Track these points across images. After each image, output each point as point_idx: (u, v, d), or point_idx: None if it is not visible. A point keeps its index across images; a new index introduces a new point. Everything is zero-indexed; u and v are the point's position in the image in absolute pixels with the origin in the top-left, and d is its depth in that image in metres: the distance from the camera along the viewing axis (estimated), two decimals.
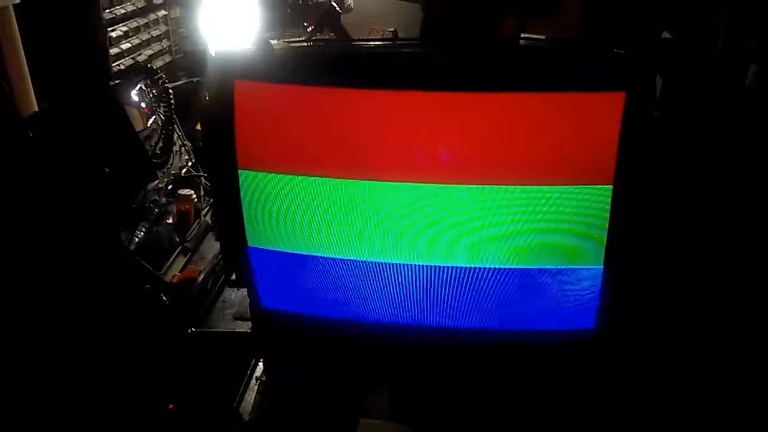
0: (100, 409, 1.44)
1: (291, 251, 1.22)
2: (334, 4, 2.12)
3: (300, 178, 1.15)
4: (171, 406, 1.48)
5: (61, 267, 1.39)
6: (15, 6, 1.38)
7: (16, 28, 1.40)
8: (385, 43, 1.20)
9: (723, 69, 1.40)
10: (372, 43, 1.20)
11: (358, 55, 1.18)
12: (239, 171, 1.16)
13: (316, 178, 1.15)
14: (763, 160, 1.30)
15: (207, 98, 1.16)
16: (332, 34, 2.12)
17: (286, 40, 1.19)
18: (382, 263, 1.20)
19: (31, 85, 1.45)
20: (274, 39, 1.18)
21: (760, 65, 1.38)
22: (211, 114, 1.16)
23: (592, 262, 1.16)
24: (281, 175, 1.16)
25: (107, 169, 1.43)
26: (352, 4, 2.22)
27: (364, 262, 1.20)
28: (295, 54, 1.17)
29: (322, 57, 1.18)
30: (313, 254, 1.22)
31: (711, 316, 1.30)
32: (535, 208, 1.12)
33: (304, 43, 1.21)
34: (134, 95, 1.61)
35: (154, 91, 1.68)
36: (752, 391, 1.28)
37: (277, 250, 1.23)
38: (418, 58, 1.13)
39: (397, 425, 1.33)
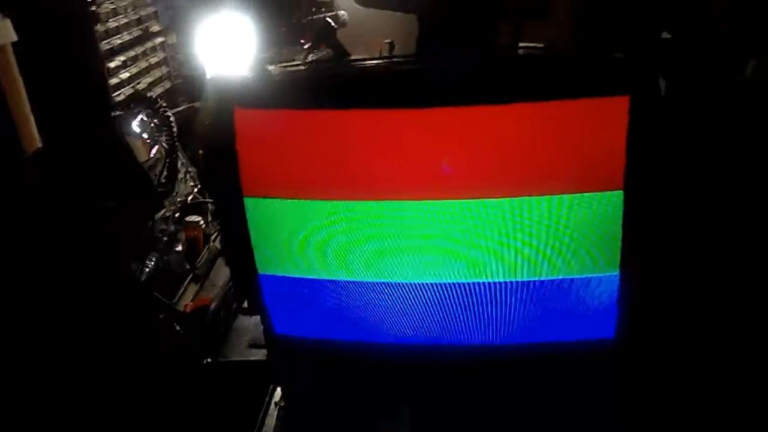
0: None
1: (301, 276, 1.22)
2: (329, 20, 2.11)
3: (305, 202, 1.14)
4: None
5: (71, 304, 1.39)
6: (13, 44, 1.39)
7: (16, 65, 1.41)
8: (382, 60, 1.19)
9: (724, 65, 1.38)
10: (369, 62, 1.19)
11: (356, 77, 1.17)
12: (245, 199, 1.16)
13: (322, 201, 1.14)
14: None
15: (207, 127, 1.15)
16: (329, 50, 2.11)
17: (282, 64, 1.18)
18: (393, 283, 1.19)
19: (33, 122, 1.45)
20: (270, 64, 1.18)
21: (760, 59, 1.36)
22: (212, 143, 1.16)
23: (608, 270, 1.15)
24: (287, 201, 1.15)
25: (111, 203, 1.42)
26: (346, 18, 2.22)
27: (376, 283, 1.19)
28: (292, 79, 1.16)
29: (319, 80, 1.17)
30: (324, 278, 1.21)
31: (728, 320, 1.28)
32: (548, 218, 1.11)
33: (301, 66, 1.20)
34: (135, 126, 1.61)
35: (155, 121, 1.68)
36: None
37: (287, 275, 1.22)
38: (416, 76, 1.12)
39: None
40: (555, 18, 1.49)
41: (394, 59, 1.30)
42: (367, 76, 1.16)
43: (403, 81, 1.11)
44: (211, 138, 1.17)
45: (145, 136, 1.64)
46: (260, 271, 1.22)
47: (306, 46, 2.05)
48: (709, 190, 1.23)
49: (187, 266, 1.71)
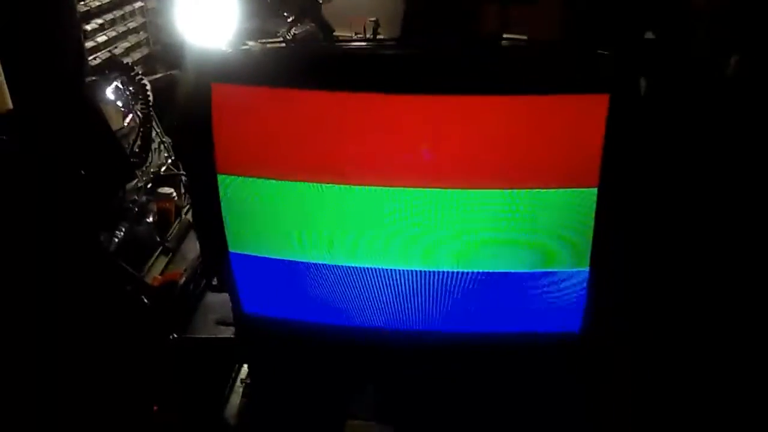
0: (83, 413, 1.42)
1: (273, 256, 1.21)
2: None
3: (281, 182, 1.13)
4: (155, 407, 1.46)
5: (38, 271, 1.36)
6: None
7: None
8: (366, 43, 1.17)
9: (705, 63, 1.39)
10: (352, 43, 1.17)
11: (338, 57, 1.15)
12: (218, 176, 1.14)
13: (298, 183, 1.13)
14: (747, 155, 1.30)
15: (183, 101, 1.13)
16: (313, 24, 2.08)
17: (262, 41, 1.16)
18: (364, 268, 1.18)
19: (4, 84, 1.41)
20: (250, 39, 1.15)
21: (742, 57, 1.37)
22: (187, 118, 1.13)
23: (577, 265, 1.16)
24: (262, 180, 1.14)
25: (83, 171, 1.39)
26: None
27: (346, 267, 1.19)
28: (272, 56, 1.14)
29: (300, 59, 1.15)
30: (295, 259, 1.20)
31: (699, 318, 1.30)
32: (520, 211, 1.11)
33: (282, 43, 1.18)
34: (110, 93, 1.57)
35: (130, 88, 1.64)
36: (744, 394, 1.28)
37: (258, 255, 1.21)
38: (398, 61, 1.10)
39: (382, 427, 1.33)
40: (542, 3, 1.49)
41: (378, 41, 1.29)
42: (349, 58, 1.14)
43: (384, 66, 1.09)
44: (186, 112, 1.15)
45: (119, 103, 1.60)
46: (231, 249, 1.21)
47: (289, 20, 2.02)
48: (685, 191, 1.25)
49: (158, 238, 1.69)
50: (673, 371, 1.31)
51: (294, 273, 1.22)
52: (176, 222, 1.75)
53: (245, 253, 1.21)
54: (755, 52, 1.36)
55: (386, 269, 1.18)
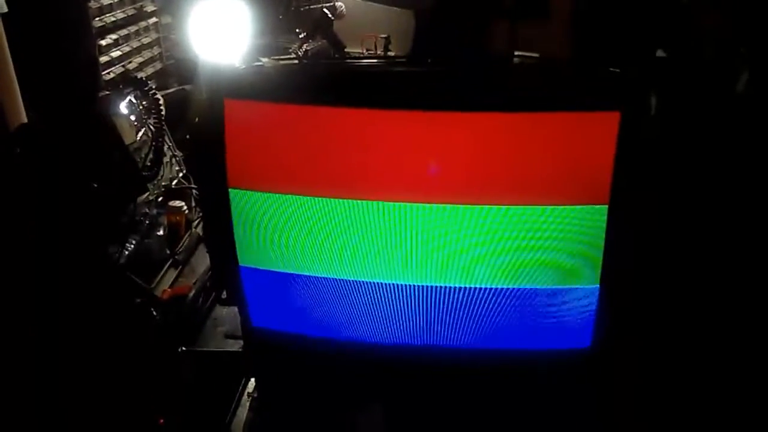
0: (91, 424, 1.42)
1: (282, 271, 1.21)
2: (326, 11, 2.10)
3: (291, 197, 1.14)
4: (162, 420, 1.46)
5: (49, 282, 1.37)
6: (2, 15, 1.36)
7: (4, 37, 1.38)
8: (377, 60, 1.18)
9: (715, 78, 1.39)
10: (363, 61, 1.18)
11: (349, 75, 1.16)
12: (230, 190, 1.15)
13: (308, 197, 1.13)
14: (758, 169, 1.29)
15: (196, 116, 1.14)
16: (325, 41, 2.10)
17: (275, 57, 1.17)
18: (373, 283, 1.18)
19: (19, 96, 1.43)
20: (264, 55, 1.17)
21: (752, 72, 1.37)
22: (200, 132, 1.14)
23: (588, 282, 1.15)
24: (272, 195, 1.14)
25: (95, 184, 1.40)
26: (344, 10, 2.20)
27: (356, 282, 1.19)
28: (285, 73, 1.15)
29: (312, 76, 1.16)
30: (305, 274, 1.20)
31: (707, 336, 1.29)
32: (530, 227, 1.11)
33: (294, 61, 1.19)
34: (124, 107, 1.59)
35: (144, 103, 1.66)
36: (749, 408, 1.27)
37: (268, 269, 1.21)
38: (409, 78, 1.11)
39: None
40: (554, 20, 1.49)
41: (388, 58, 1.30)
42: (359, 75, 1.15)
43: (394, 83, 1.10)
44: (199, 127, 1.16)
45: (132, 117, 1.62)
46: (241, 263, 1.21)
47: (301, 36, 2.04)
48: (695, 207, 1.24)
49: (168, 251, 1.70)
50: (682, 385, 1.29)
51: (303, 287, 1.21)
52: (186, 235, 1.76)
53: (255, 267, 1.22)
54: (763, 68, 1.36)
55: (394, 284, 1.18)
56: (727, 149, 1.31)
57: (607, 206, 1.08)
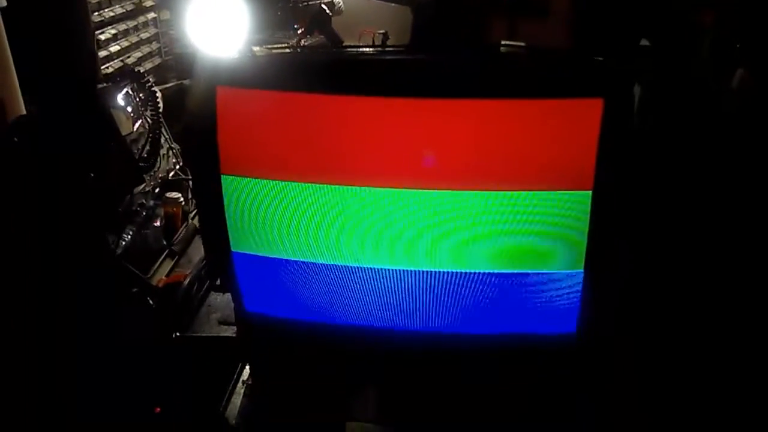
0: (86, 412, 1.44)
1: (275, 256, 1.23)
2: (324, 7, 2.12)
3: (284, 183, 1.16)
4: (158, 408, 1.48)
5: (45, 272, 1.40)
6: (1, 9, 1.39)
7: (3, 30, 1.41)
8: (369, 49, 1.20)
9: (708, 75, 1.41)
10: (355, 49, 1.20)
11: (339, 62, 1.19)
12: (222, 176, 1.17)
13: (300, 183, 1.15)
14: (748, 164, 1.31)
15: (189, 103, 1.17)
16: (322, 36, 2.12)
17: (268, 46, 1.19)
18: (364, 268, 1.20)
19: (18, 89, 1.45)
20: (256, 45, 1.19)
21: (747, 70, 1.39)
22: (193, 119, 1.17)
23: (572, 267, 1.17)
24: (265, 181, 1.16)
25: (92, 174, 1.43)
26: (342, 6, 2.23)
27: (348, 267, 1.21)
28: (277, 60, 1.17)
29: (304, 63, 1.18)
30: (297, 259, 1.22)
31: (692, 318, 1.31)
32: (515, 213, 1.13)
33: (287, 49, 1.21)
34: (120, 99, 1.62)
35: (140, 95, 1.68)
36: (740, 389, 1.29)
37: (261, 255, 1.23)
38: (397, 66, 1.13)
39: (382, 428, 1.34)
40: (553, 17, 1.51)
41: (382, 48, 1.32)
42: (350, 63, 1.17)
43: (384, 70, 1.12)
44: (192, 114, 1.18)
45: (129, 109, 1.64)
46: (233, 249, 1.24)
47: (299, 32, 2.06)
48: (679, 194, 1.26)
49: (164, 242, 1.72)
50: (671, 371, 1.31)
51: (296, 273, 1.24)
52: (183, 226, 1.79)
53: (247, 252, 1.24)
54: (759, 68, 1.37)
55: (385, 269, 1.20)
56: (718, 142, 1.33)
57: (591, 192, 1.11)
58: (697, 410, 1.30)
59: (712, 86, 1.41)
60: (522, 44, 1.18)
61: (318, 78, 1.12)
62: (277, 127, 1.13)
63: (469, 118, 1.09)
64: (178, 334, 1.45)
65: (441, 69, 1.10)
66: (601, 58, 1.08)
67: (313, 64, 1.17)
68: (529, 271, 1.18)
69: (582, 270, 1.16)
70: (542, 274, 1.18)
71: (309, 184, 1.14)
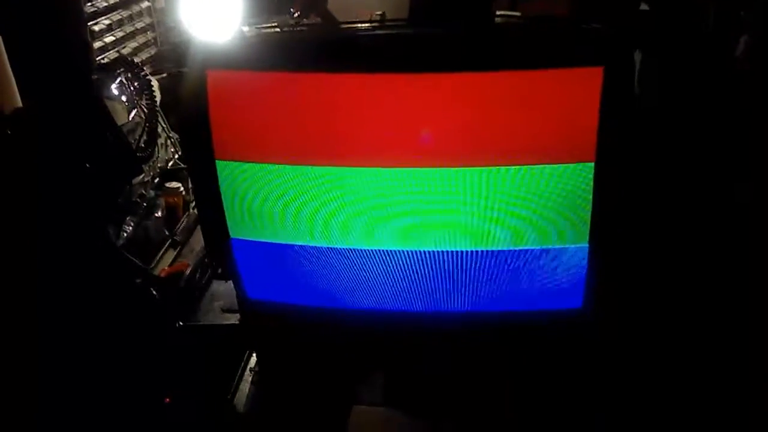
0: (94, 405, 1.44)
1: (274, 241, 1.22)
2: None
3: (279, 167, 1.14)
4: (168, 399, 1.48)
5: (47, 265, 1.39)
6: None
7: None
8: (363, 25, 1.17)
9: (712, 42, 1.37)
10: (347, 25, 1.18)
11: (329, 40, 1.16)
12: (217, 162, 1.15)
13: (296, 166, 1.13)
14: (750, 131, 1.27)
15: (180, 89, 1.15)
16: (319, 19, 2.09)
17: (257, 26, 1.17)
18: (365, 250, 1.19)
19: (13, 82, 1.44)
20: (245, 26, 1.17)
21: (752, 36, 1.35)
22: (185, 105, 1.15)
23: (577, 241, 1.15)
24: (260, 165, 1.15)
25: (88, 165, 1.41)
26: None
27: (348, 249, 1.19)
28: (266, 41, 1.15)
29: (293, 42, 1.16)
30: (296, 243, 1.21)
31: (698, 293, 1.28)
32: (518, 188, 1.11)
33: (276, 29, 1.19)
34: (114, 88, 1.60)
35: (135, 84, 1.66)
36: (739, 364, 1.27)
37: (259, 240, 1.22)
38: (390, 40, 1.11)
39: (388, 411, 1.33)
40: None
41: (376, 24, 1.29)
42: (340, 40, 1.15)
43: (375, 45, 1.10)
44: (184, 100, 1.16)
45: (124, 98, 1.62)
46: (232, 236, 1.22)
47: (296, 15, 2.03)
48: (680, 165, 1.23)
49: (166, 233, 1.71)
50: (675, 345, 1.29)
51: (295, 257, 1.22)
52: (184, 216, 1.77)
53: (247, 238, 1.22)
54: (762, 33, 1.33)
55: (386, 250, 1.18)
56: (722, 109, 1.30)
57: (593, 164, 1.08)
58: (701, 383, 1.28)
59: (715, 53, 1.37)
60: (517, 14, 1.15)
61: (310, 56, 1.10)
62: (271, 109, 1.11)
63: (466, 92, 1.06)
64: (181, 323, 1.44)
65: (438, 42, 1.07)
66: (599, 25, 1.04)
67: (304, 42, 1.14)
68: (535, 248, 1.15)
69: (587, 244, 1.14)
70: (548, 249, 1.15)
71: (306, 167, 1.13)
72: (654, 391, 1.26)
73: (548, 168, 1.09)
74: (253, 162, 1.15)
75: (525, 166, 1.09)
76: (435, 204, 1.14)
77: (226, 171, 1.16)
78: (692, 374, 1.26)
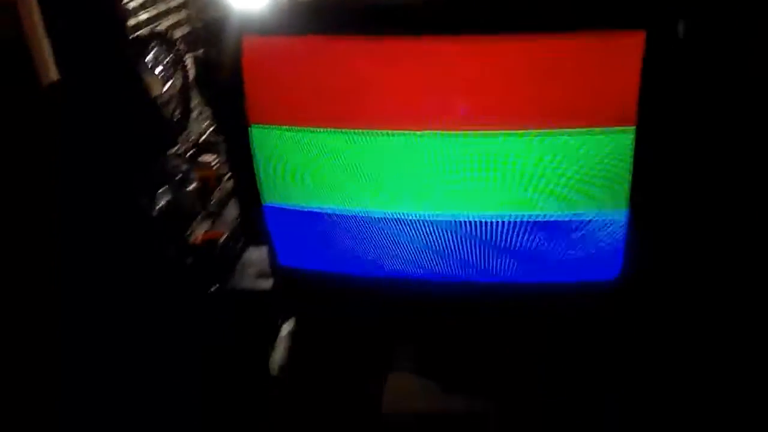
0: (127, 373, 1.46)
1: (307, 207, 1.21)
2: None
3: (313, 131, 1.14)
4: None
5: (80, 236, 1.41)
6: None
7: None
8: None
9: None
10: None
11: (365, 4, 1.15)
12: (250, 126, 1.16)
13: (330, 130, 1.13)
14: None
15: (216, 55, 1.15)
16: None
17: None
18: (399, 217, 1.18)
19: (50, 55, 1.46)
20: None
21: None
22: (220, 71, 1.15)
23: (616, 208, 1.13)
24: (294, 129, 1.15)
25: (124, 136, 1.43)
26: None
27: (382, 215, 1.19)
28: (301, 5, 1.15)
29: (329, 6, 1.15)
30: (330, 209, 1.20)
31: (733, 260, 1.24)
32: (556, 153, 1.09)
33: None
34: (149, 61, 1.61)
35: (169, 57, 1.67)
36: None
37: (292, 206, 1.22)
38: (428, 5, 1.09)
39: (423, 380, 1.32)
40: None
41: None
42: (375, 5, 1.13)
43: (413, 9, 1.08)
44: (218, 65, 1.16)
45: (158, 70, 1.64)
46: (265, 201, 1.22)
47: None
48: (723, 132, 1.20)
49: (200, 205, 1.72)
50: (712, 317, 1.26)
51: (329, 224, 1.22)
52: (217, 189, 1.79)
53: (280, 204, 1.23)
54: None
55: (420, 219, 1.18)
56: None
57: (634, 128, 1.06)
58: (737, 359, 1.24)
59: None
60: None
61: (345, 20, 1.09)
62: (305, 73, 1.11)
63: (505, 56, 1.05)
64: (216, 287, 1.45)
65: (477, 5, 1.06)
66: None
67: (340, 6, 1.14)
68: (572, 215, 1.13)
69: (626, 210, 1.12)
70: (585, 217, 1.13)
71: (341, 131, 1.12)
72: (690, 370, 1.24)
73: (587, 132, 1.07)
74: (286, 127, 1.15)
75: (563, 130, 1.07)
76: (470, 172, 1.12)
77: (260, 135, 1.16)
78: (725, 361, 1.22)
